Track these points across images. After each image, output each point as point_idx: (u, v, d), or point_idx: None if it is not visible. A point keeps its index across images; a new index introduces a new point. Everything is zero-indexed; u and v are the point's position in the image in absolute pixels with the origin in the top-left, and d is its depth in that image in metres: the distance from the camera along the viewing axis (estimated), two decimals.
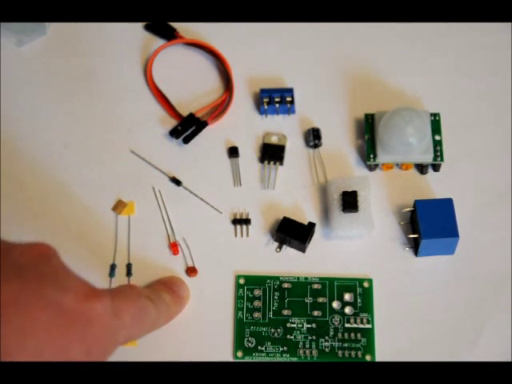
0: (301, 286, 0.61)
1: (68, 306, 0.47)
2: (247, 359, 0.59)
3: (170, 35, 0.70)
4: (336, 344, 0.59)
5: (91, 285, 0.50)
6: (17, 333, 0.45)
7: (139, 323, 0.54)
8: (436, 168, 0.64)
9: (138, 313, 0.53)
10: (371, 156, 0.64)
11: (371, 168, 0.65)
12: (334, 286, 0.61)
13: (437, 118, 0.65)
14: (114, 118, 0.67)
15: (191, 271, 0.61)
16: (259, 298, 0.61)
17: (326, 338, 0.59)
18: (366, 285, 0.61)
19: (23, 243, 0.49)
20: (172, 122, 0.67)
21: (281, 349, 0.59)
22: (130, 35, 0.70)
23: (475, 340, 0.59)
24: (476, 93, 0.67)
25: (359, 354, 0.59)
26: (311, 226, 0.62)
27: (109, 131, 0.66)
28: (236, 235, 0.63)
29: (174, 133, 0.66)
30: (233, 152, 0.65)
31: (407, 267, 0.61)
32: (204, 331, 0.60)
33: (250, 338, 0.60)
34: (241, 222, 0.63)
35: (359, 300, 0.60)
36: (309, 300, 0.60)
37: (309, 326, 0.60)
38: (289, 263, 0.62)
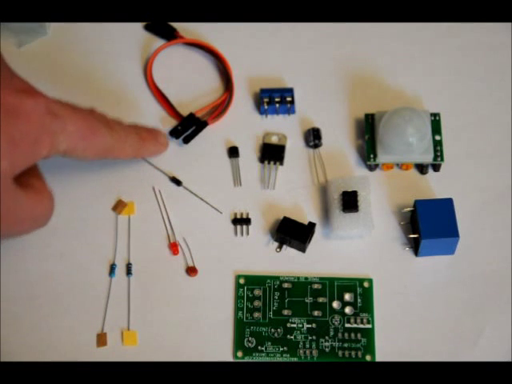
0: (301, 285, 0.61)
1: None
2: (247, 359, 0.59)
3: (170, 35, 0.70)
4: (336, 344, 0.59)
5: (30, 85, 0.49)
6: None
7: (86, 138, 0.54)
8: (436, 168, 0.64)
9: (85, 128, 0.54)
10: (371, 156, 0.64)
11: (371, 168, 0.65)
12: (334, 286, 0.61)
13: (437, 118, 0.65)
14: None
15: (191, 271, 0.61)
16: (259, 297, 0.61)
17: (326, 337, 0.59)
18: (366, 285, 0.61)
19: None
20: (172, 122, 0.67)
21: (281, 349, 0.59)
22: (130, 35, 0.70)
23: (475, 340, 0.59)
24: (476, 93, 0.67)
25: (359, 353, 0.59)
26: (311, 225, 0.62)
27: None
28: (236, 235, 0.63)
29: (174, 133, 0.66)
30: (233, 152, 0.65)
31: (407, 267, 0.61)
32: (204, 331, 0.60)
33: (250, 338, 0.60)
34: (241, 221, 0.63)
35: (359, 300, 0.60)
36: (309, 300, 0.60)
37: (309, 325, 0.60)
38: (289, 263, 0.62)
